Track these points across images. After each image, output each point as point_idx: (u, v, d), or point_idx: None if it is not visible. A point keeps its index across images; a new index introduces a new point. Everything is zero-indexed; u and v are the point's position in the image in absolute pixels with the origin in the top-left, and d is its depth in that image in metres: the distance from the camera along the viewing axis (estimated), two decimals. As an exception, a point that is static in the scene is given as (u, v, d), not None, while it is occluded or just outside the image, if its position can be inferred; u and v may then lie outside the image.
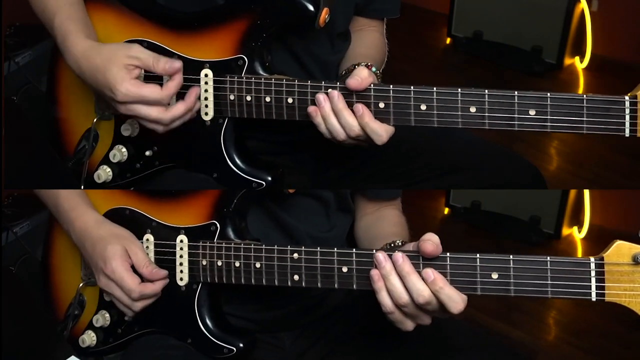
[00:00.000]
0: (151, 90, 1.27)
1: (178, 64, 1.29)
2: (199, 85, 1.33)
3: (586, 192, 2.89)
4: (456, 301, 1.14)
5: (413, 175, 1.49)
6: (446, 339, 1.34)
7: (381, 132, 1.25)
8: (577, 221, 2.94)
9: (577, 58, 3.18)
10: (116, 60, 1.28)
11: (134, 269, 1.31)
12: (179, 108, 1.30)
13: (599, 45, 3.13)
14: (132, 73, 1.28)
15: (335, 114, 1.26)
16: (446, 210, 3.15)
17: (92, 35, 1.36)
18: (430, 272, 1.15)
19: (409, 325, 1.18)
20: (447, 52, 3.42)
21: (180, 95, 1.32)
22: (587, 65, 3.16)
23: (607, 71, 3.07)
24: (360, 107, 1.25)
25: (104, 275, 1.31)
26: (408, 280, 1.15)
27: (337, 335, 1.43)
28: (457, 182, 1.48)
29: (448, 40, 3.43)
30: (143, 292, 1.30)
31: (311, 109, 1.28)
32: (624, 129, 1.18)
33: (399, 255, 1.16)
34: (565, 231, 2.92)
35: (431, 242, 1.15)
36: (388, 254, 1.17)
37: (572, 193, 2.90)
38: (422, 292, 1.14)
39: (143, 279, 1.31)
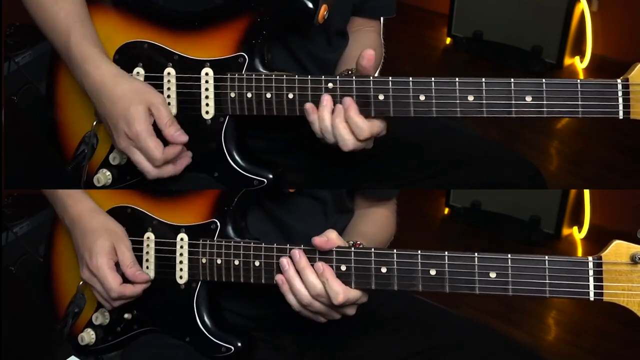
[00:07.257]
0: (155, 146, 1.30)
1: (184, 137, 1.32)
2: (191, 157, 1.35)
3: (586, 192, 2.89)
4: (337, 292, 1.20)
5: (412, 175, 1.49)
6: (446, 335, 1.34)
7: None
8: (577, 221, 2.94)
9: (577, 58, 3.18)
10: (144, 97, 1.30)
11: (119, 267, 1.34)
12: (166, 171, 1.33)
13: (599, 45, 3.14)
14: (151, 118, 1.31)
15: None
16: (446, 210, 3.15)
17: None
18: (320, 265, 1.21)
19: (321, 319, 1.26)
20: (447, 52, 3.42)
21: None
22: (587, 65, 3.17)
23: (607, 71, 3.07)
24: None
25: (88, 269, 1.34)
26: (304, 275, 1.22)
27: (337, 334, 1.43)
28: (457, 182, 1.48)
29: (448, 40, 3.44)
30: (122, 293, 1.32)
31: (307, 105, 1.28)
32: (618, 112, 1.20)
33: (295, 252, 1.23)
34: (566, 231, 2.92)
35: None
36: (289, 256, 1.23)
37: (572, 193, 2.90)
38: (316, 286, 1.21)
39: (125, 279, 1.33)
